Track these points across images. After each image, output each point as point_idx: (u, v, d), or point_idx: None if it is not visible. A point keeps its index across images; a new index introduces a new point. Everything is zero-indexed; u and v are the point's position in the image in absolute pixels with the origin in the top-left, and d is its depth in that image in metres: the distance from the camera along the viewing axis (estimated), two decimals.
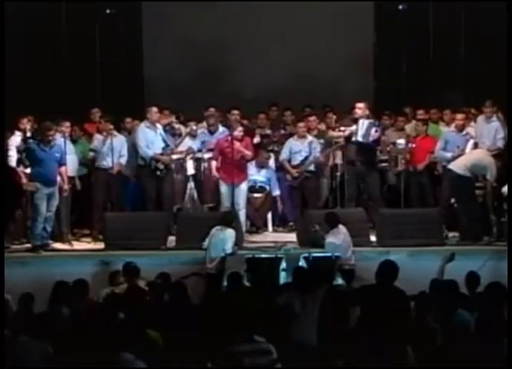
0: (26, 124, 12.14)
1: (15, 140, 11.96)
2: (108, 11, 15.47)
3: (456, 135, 12.12)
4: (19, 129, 12.09)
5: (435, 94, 14.75)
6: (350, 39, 15.30)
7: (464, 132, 12.08)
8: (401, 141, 12.57)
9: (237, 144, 11.86)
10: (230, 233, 10.60)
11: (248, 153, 12.05)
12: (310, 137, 12.61)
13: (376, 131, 11.99)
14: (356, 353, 6.54)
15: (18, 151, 11.69)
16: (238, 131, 12.08)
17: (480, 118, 12.08)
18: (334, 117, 13.19)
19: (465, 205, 11.28)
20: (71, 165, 11.97)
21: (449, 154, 11.86)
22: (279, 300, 8.19)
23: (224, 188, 12.01)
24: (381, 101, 14.68)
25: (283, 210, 12.99)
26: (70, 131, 12.25)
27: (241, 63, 15.25)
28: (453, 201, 11.65)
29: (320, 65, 15.20)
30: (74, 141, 12.48)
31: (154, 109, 12.22)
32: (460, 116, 12.13)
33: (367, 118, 12.08)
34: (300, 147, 12.57)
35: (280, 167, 12.82)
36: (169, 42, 15.54)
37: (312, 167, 12.59)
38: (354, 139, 12.00)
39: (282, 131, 13.20)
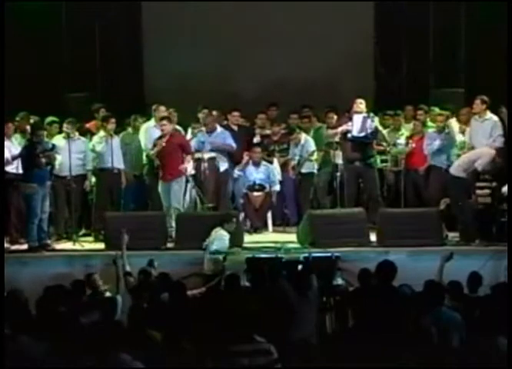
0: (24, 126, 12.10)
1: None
2: (108, 11, 15.47)
3: (438, 136, 12.20)
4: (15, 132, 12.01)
5: (435, 94, 14.74)
6: (350, 39, 15.28)
7: (445, 132, 12.18)
8: (401, 141, 12.62)
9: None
10: (221, 234, 10.68)
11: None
12: (302, 141, 12.74)
13: (372, 121, 12.02)
14: (355, 353, 6.53)
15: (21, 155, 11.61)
16: (162, 125, 11.91)
17: (473, 119, 12.05)
18: (335, 117, 13.21)
19: (459, 206, 11.24)
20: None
21: (437, 142, 12.01)
22: (275, 294, 8.19)
23: (160, 187, 12.03)
24: (381, 101, 14.66)
25: (285, 210, 13.01)
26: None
27: (241, 63, 15.23)
28: (448, 201, 11.65)
29: (320, 65, 15.18)
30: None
31: (162, 108, 12.18)
32: (440, 118, 12.23)
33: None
34: (295, 151, 12.80)
35: (284, 167, 12.94)
36: (169, 42, 15.52)
37: (309, 169, 12.68)
38: (349, 135, 12.03)
39: (282, 131, 13.23)
